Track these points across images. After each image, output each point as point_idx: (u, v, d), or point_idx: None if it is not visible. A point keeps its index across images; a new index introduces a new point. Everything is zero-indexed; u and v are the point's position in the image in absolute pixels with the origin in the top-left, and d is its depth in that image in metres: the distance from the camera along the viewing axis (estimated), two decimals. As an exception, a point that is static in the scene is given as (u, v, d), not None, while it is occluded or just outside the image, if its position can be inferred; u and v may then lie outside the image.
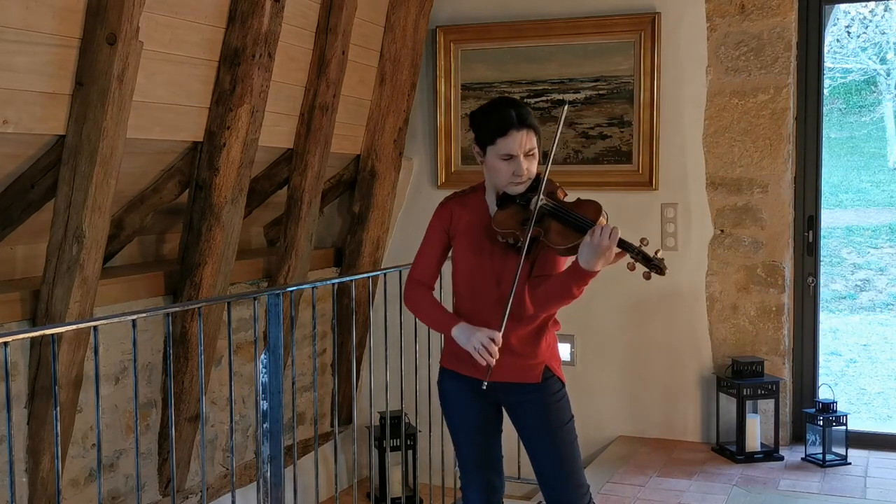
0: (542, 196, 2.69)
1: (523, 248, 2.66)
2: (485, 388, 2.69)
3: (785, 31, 4.49)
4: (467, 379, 2.83)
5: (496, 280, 2.76)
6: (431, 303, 2.84)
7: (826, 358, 8.11)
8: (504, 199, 2.77)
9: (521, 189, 2.73)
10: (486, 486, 2.88)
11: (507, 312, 2.66)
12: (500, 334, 2.64)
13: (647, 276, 2.63)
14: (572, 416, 2.84)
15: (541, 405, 2.79)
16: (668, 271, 2.63)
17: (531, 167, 2.72)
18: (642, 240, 2.62)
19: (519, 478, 4.46)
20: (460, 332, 2.70)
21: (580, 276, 2.61)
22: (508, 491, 3.11)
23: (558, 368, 2.86)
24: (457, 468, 3.10)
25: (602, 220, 2.66)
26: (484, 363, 2.64)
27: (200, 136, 3.70)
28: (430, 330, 4.27)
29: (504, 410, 2.91)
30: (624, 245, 2.58)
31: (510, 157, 2.68)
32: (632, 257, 2.60)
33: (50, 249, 3.22)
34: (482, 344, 2.63)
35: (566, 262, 2.74)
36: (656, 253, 2.62)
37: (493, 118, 2.70)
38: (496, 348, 2.63)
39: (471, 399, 2.85)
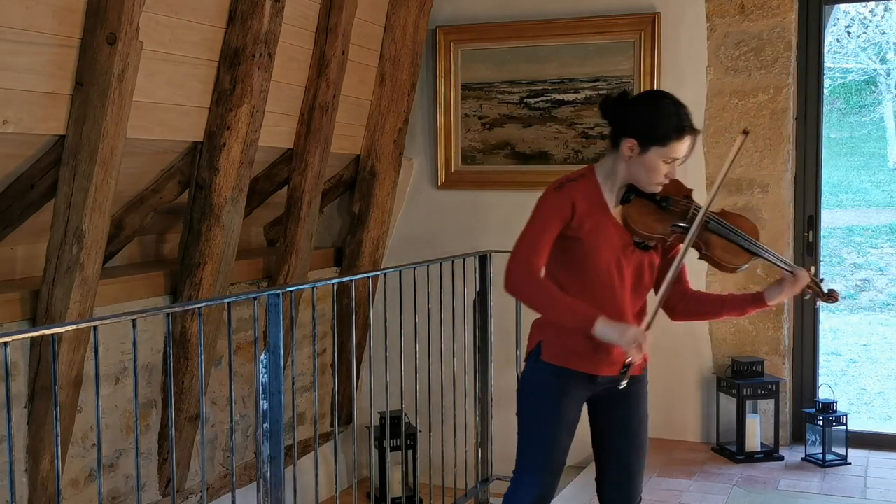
0: (705, 208, 2.63)
1: (682, 255, 2.68)
2: (621, 387, 2.65)
3: (785, 31, 4.49)
4: (579, 376, 2.69)
5: (634, 278, 2.69)
6: (560, 293, 2.59)
7: (826, 358, 8.11)
8: (636, 195, 2.64)
9: (659, 189, 2.65)
10: (546, 491, 2.74)
11: (654, 316, 2.64)
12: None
13: (814, 301, 2.79)
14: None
15: (639, 396, 2.82)
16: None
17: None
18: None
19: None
20: (608, 326, 2.51)
21: (759, 305, 2.73)
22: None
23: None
24: (454, 465, 3.06)
25: (761, 237, 2.75)
26: (638, 361, 2.57)
27: (200, 136, 3.70)
28: (431, 329, 4.28)
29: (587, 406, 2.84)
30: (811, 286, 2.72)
31: (673, 160, 2.59)
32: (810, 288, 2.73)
33: (50, 249, 3.22)
34: (637, 342, 2.51)
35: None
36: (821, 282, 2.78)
37: (672, 118, 2.58)
38: (647, 347, 2.56)
39: (575, 398, 2.73)
